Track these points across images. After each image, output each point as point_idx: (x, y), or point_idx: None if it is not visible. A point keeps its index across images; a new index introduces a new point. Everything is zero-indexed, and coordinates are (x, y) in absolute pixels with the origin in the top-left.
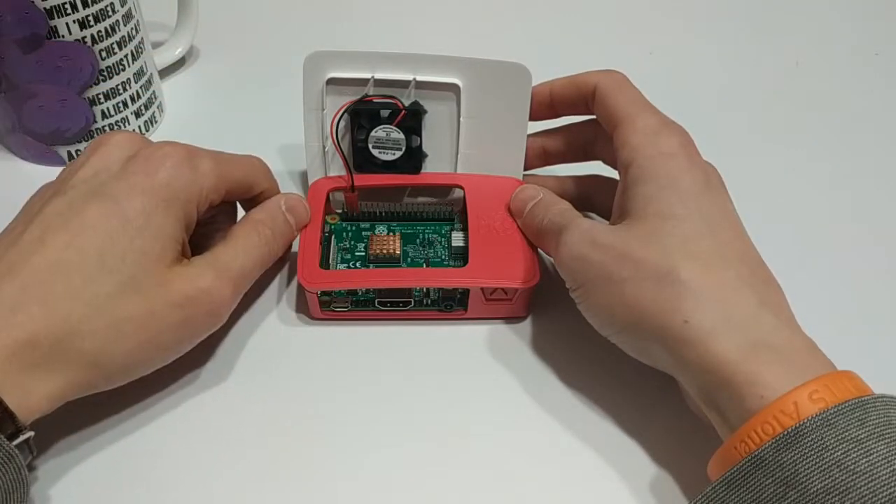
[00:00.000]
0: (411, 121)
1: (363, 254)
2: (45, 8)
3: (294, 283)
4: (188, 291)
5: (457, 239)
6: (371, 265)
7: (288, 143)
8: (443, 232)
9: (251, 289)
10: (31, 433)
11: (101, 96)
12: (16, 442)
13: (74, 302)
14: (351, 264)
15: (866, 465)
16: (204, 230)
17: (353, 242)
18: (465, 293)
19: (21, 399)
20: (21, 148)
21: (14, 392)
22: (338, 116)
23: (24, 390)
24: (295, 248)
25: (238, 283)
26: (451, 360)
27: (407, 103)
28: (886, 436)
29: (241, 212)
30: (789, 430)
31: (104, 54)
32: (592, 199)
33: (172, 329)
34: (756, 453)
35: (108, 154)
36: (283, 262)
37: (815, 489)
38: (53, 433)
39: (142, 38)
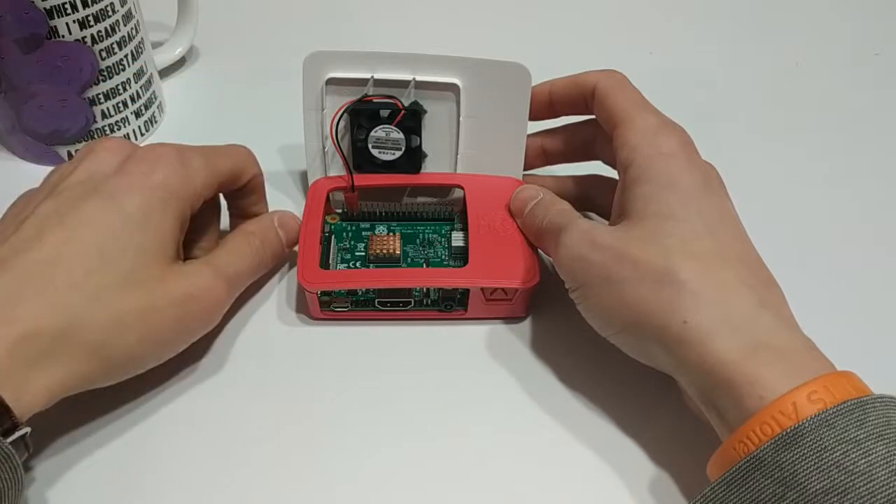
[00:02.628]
0: (411, 121)
1: (363, 254)
2: (45, 8)
3: (294, 283)
4: (188, 288)
5: (457, 239)
6: (371, 265)
7: (288, 143)
8: (443, 232)
9: (252, 289)
10: (28, 429)
11: (101, 96)
12: (12, 438)
13: (76, 293)
14: (351, 264)
15: (865, 465)
16: (191, 224)
17: (353, 242)
18: (465, 293)
19: (19, 394)
20: (21, 148)
21: (12, 387)
22: (337, 116)
23: (23, 385)
24: (295, 248)
25: (232, 285)
26: (451, 360)
27: (406, 103)
28: (885, 436)
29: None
30: (788, 430)
31: (104, 54)
32: (592, 199)
33: (170, 324)
34: (755, 454)
35: (101, 158)
36: (281, 264)
37: (813, 489)
38: (50, 432)
39: (142, 38)
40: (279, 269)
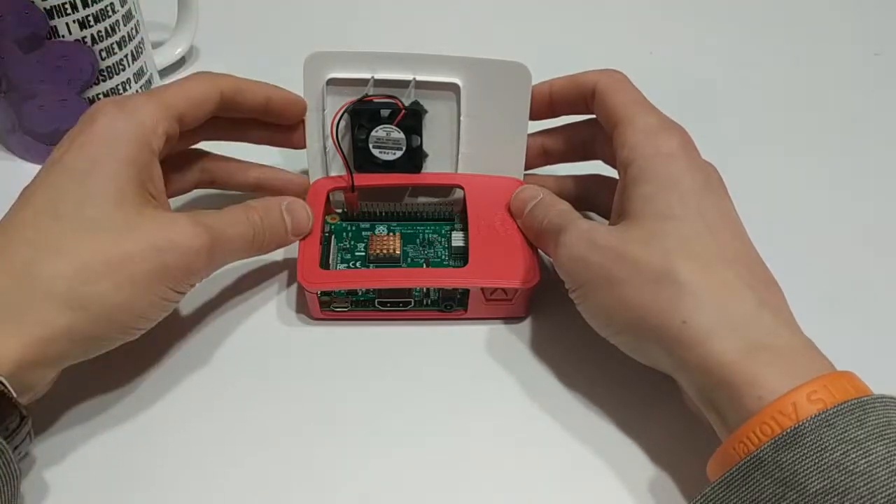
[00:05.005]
0: (411, 120)
1: (363, 254)
2: (45, 8)
3: (294, 283)
4: (161, 233)
5: (457, 239)
6: (371, 265)
7: None
8: (443, 232)
9: (252, 289)
10: (2, 379)
11: (101, 96)
12: None
13: (30, 248)
14: (351, 264)
15: (865, 465)
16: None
17: (353, 242)
18: (465, 293)
19: None
20: (21, 148)
21: None
22: (338, 116)
23: None
24: (295, 248)
25: (215, 241)
26: (451, 361)
27: (407, 103)
28: (886, 436)
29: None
30: (788, 430)
31: (104, 54)
32: (592, 198)
33: (145, 272)
34: (755, 454)
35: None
36: (281, 266)
37: (813, 489)
38: (49, 434)
39: (142, 38)
40: (279, 269)
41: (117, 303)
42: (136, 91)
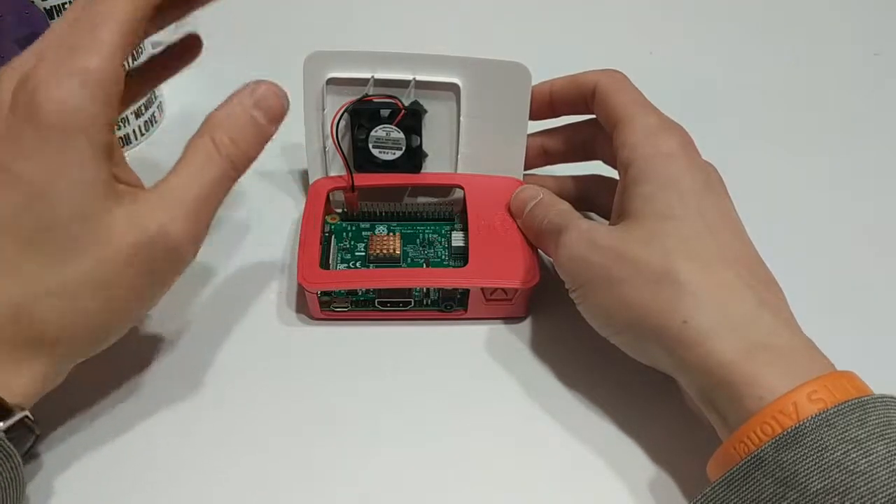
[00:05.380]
0: (411, 120)
1: (363, 254)
2: (45, 8)
3: (294, 283)
4: (136, 240)
5: (457, 239)
6: (371, 265)
7: (288, 142)
8: (443, 232)
9: (251, 289)
10: (25, 413)
11: None
12: (10, 422)
13: (16, 287)
14: (351, 264)
15: (866, 465)
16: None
17: (353, 242)
18: (465, 293)
19: (6, 389)
20: None
21: None
22: (338, 116)
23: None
24: (295, 248)
25: (196, 212)
26: (451, 361)
27: (407, 103)
28: (886, 436)
29: None
30: (789, 430)
31: None
32: (592, 199)
33: (133, 282)
34: (756, 453)
35: None
36: (282, 266)
37: (814, 489)
38: (50, 435)
39: None
40: (279, 269)
41: (111, 316)
42: None
